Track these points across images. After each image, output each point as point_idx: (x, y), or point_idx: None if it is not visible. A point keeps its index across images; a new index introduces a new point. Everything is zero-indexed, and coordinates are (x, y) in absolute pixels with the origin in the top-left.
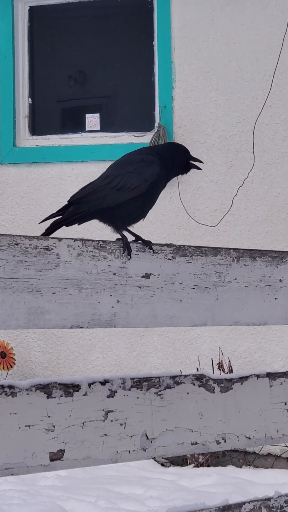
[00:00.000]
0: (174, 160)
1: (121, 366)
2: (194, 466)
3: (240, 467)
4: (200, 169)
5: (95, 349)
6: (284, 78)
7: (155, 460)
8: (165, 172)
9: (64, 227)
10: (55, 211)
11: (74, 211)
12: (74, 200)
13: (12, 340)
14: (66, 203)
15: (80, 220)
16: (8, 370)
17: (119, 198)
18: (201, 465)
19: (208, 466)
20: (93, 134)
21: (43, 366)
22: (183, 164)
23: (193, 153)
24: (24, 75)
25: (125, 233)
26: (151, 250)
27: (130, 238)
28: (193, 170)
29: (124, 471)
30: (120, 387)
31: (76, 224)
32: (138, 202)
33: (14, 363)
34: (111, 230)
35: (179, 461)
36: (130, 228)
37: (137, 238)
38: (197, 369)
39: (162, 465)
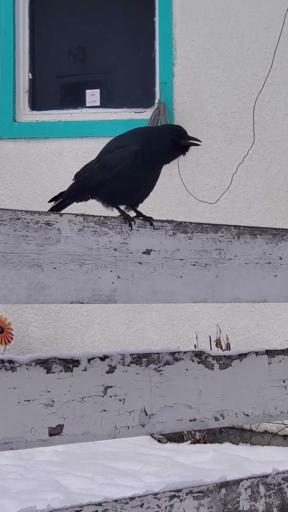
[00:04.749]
0: (159, 142)
1: (119, 342)
2: (191, 443)
3: (237, 444)
4: (197, 144)
5: (93, 325)
6: (285, 56)
7: (152, 437)
8: (152, 154)
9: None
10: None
11: (69, 190)
12: (75, 179)
13: (10, 315)
14: (72, 180)
15: (76, 198)
16: (5, 345)
17: (102, 177)
18: (198, 441)
19: (205, 442)
20: (93, 110)
21: (40, 342)
22: (169, 146)
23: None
24: (25, 50)
25: (126, 211)
26: (152, 226)
27: (132, 214)
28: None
29: (121, 447)
30: (120, 362)
31: (83, 202)
32: (122, 181)
33: (12, 338)
34: (107, 209)
35: (176, 437)
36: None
37: (138, 214)
38: (195, 346)
39: (159, 441)
